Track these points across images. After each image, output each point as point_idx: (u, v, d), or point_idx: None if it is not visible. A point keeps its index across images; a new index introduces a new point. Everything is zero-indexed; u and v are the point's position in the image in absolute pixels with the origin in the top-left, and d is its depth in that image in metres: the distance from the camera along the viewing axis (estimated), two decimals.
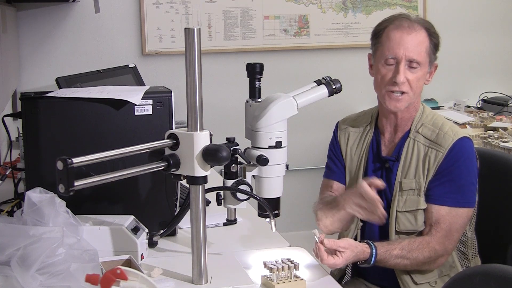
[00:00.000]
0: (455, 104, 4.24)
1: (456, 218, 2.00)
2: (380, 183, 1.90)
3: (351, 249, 1.87)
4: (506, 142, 3.39)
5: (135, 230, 1.83)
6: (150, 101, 1.95)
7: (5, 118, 2.18)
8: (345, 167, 2.19)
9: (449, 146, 2.01)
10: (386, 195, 2.08)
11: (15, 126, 3.00)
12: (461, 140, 2.02)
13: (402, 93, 2.02)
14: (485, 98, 4.44)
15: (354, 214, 1.95)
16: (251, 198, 1.83)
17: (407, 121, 2.09)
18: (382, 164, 2.11)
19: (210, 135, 1.65)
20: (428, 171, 2.02)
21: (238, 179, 1.81)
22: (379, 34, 2.08)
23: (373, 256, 1.92)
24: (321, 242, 1.82)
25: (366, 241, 1.95)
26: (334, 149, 2.23)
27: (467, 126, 3.80)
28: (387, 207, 2.05)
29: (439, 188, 2.01)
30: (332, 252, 1.84)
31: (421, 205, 2.02)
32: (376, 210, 1.86)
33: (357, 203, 1.90)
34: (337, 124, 2.27)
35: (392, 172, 2.08)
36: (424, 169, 2.03)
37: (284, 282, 1.67)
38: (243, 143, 1.84)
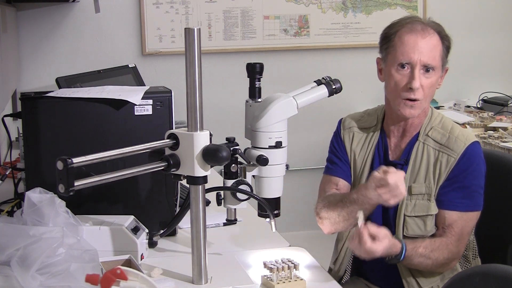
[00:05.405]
0: (455, 104, 4.24)
1: (467, 222, 1.99)
2: (393, 170, 1.80)
3: (388, 239, 1.83)
4: (506, 142, 3.39)
5: (135, 230, 1.83)
6: (150, 101, 1.95)
7: (5, 118, 2.18)
8: (350, 165, 2.14)
9: (461, 151, 1.97)
10: None
11: (15, 126, 3.00)
12: (472, 145, 1.99)
13: (416, 100, 1.96)
14: (485, 98, 4.44)
15: (378, 200, 1.83)
16: (251, 198, 1.83)
17: (416, 126, 2.05)
18: None
19: (210, 135, 1.65)
20: (440, 175, 1.99)
21: (238, 179, 1.81)
22: (390, 37, 2.00)
23: (404, 251, 1.89)
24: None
25: (393, 236, 1.90)
26: (339, 146, 2.16)
27: (467, 126, 3.79)
28: (395, 211, 2.03)
29: (451, 194, 1.99)
30: (372, 238, 1.80)
31: (432, 210, 1.99)
32: (398, 192, 1.78)
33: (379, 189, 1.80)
34: (340, 121, 2.20)
35: None
36: (435, 173, 2.00)
37: (284, 282, 1.66)
38: (243, 143, 1.84)
